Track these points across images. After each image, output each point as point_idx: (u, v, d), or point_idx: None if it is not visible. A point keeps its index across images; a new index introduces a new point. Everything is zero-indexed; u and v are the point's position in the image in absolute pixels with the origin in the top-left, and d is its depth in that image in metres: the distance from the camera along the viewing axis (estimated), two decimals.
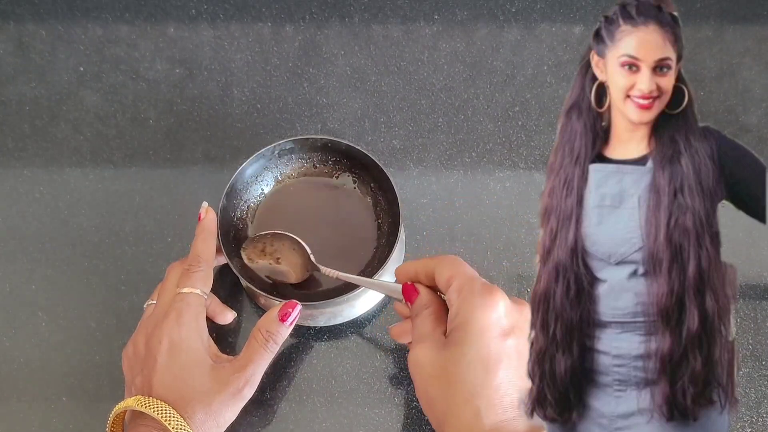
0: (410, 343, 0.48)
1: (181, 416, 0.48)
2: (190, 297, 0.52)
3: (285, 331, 0.53)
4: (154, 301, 0.55)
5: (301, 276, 0.58)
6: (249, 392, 0.51)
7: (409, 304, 0.49)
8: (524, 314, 0.44)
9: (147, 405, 0.48)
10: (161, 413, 0.47)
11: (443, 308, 0.47)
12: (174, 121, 0.69)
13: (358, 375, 0.58)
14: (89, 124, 0.69)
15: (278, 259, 0.57)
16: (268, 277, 0.59)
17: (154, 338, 0.51)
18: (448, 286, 0.46)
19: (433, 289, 0.49)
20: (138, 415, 0.49)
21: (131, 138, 0.68)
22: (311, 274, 0.58)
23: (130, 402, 0.49)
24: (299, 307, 0.53)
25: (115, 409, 0.50)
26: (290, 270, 0.58)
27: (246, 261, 0.58)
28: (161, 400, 0.48)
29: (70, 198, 0.65)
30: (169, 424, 0.47)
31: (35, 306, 0.61)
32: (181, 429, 0.47)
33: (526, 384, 0.38)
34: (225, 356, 0.54)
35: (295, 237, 0.57)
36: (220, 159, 0.67)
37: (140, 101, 0.70)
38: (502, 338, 0.42)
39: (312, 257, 0.57)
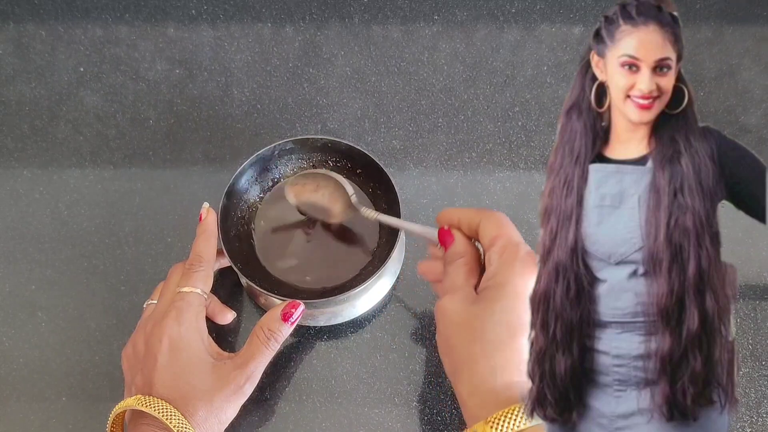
0: (436, 283, 0.50)
1: (183, 414, 0.48)
2: (190, 296, 0.52)
3: (286, 331, 0.53)
4: (154, 301, 0.55)
5: (342, 217, 0.59)
6: (250, 389, 0.51)
7: (443, 248, 0.50)
8: None
9: (148, 404, 0.48)
10: (162, 412, 0.47)
11: (476, 259, 0.48)
12: (174, 121, 0.69)
13: (358, 375, 0.58)
14: (89, 125, 0.69)
15: (324, 195, 0.59)
16: (303, 213, 0.60)
17: (153, 337, 0.51)
18: (491, 246, 0.46)
19: (470, 238, 0.49)
20: (139, 415, 0.49)
21: (131, 138, 0.68)
22: (350, 217, 0.59)
23: (130, 401, 0.49)
24: (302, 307, 0.53)
25: (115, 409, 0.50)
26: (332, 208, 0.59)
27: (290, 195, 0.60)
28: (162, 399, 0.48)
29: (70, 198, 0.65)
30: (171, 422, 0.47)
31: (35, 306, 0.61)
32: (182, 427, 0.47)
33: None
34: (226, 353, 0.54)
35: (338, 179, 0.59)
36: (220, 159, 0.67)
37: (140, 101, 0.70)
38: None
39: (353, 198, 0.58)
